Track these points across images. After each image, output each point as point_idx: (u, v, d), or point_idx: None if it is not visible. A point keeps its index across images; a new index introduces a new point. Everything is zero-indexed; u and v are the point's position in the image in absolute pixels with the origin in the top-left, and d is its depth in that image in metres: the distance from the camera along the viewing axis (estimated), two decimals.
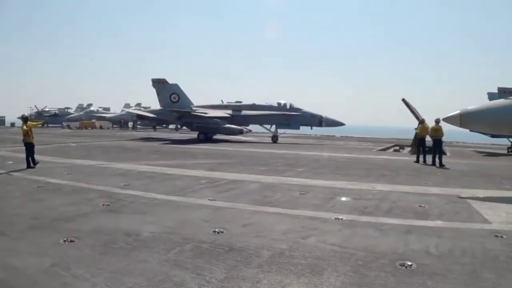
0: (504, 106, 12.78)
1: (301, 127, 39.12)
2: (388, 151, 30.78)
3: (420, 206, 10.58)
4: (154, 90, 43.20)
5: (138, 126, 71.26)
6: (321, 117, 37.87)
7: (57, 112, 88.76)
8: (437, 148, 20.79)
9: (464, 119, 13.21)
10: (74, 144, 30.76)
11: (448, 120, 13.70)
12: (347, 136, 51.17)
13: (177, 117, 40.94)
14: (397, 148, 33.23)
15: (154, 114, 46.58)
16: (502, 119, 12.89)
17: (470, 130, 16.31)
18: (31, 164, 16.60)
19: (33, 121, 19.47)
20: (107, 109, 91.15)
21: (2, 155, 21.08)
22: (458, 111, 13.17)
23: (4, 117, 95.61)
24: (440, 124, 20.47)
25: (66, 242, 6.95)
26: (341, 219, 8.94)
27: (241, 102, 41.42)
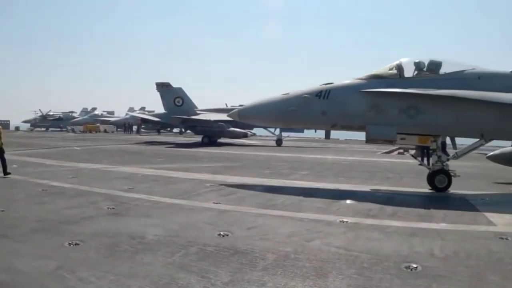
0: (276, 102, 13.90)
1: (305, 130, 39.10)
2: (392, 154, 30.77)
3: (425, 208, 10.55)
4: (158, 94, 43.34)
5: (142, 129, 71.41)
6: None
7: (61, 116, 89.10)
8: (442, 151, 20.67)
9: (242, 114, 15.03)
10: (78, 148, 30.86)
11: (230, 116, 15.86)
12: (351, 139, 51.10)
13: (181, 121, 41.05)
14: (401, 151, 33.14)
15: (158, 118, 46.73)
16: (273, 113, 14.07)
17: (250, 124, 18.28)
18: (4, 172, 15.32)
19: None
20: (111, 113, 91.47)
21: (6, 159, 21.10)
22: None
23: (8, 121, 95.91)
24: None
25: (71, 245, 6.94)
26: (346, 221, 8.92)
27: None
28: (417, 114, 12.97)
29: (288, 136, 40.78)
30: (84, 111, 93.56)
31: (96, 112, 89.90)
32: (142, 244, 7.15)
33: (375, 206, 10.70)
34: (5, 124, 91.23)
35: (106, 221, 8.80)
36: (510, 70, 13.46)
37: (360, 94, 13.18)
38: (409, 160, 24.85)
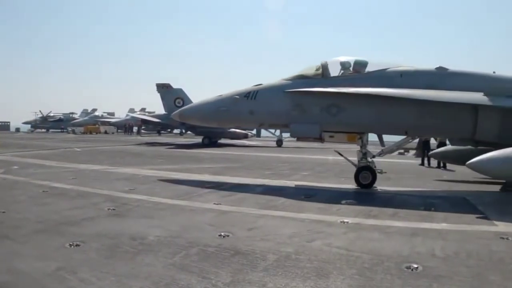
0: (210, 103, 14.77)
1: None
2: (392, 154, 30.69)
3: (425, 208, 10.55)
4: (158, 95, 43.37)
5: (142, 130, 71.45)
6: None
7: (62, 117, 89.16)
8: None
9: (182, 115, 16.07)
10: (78, 149, 30.87)
11: (172, 116, 16.91)
12: None
13: (181, 122, 41.04)
14: (401, 151, 33.13)
15: (158, 119, 46.74)
16: (208, 113, 14.85)
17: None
18: None
19: None
20: (112, 114, 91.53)
21: (7, 160, 21.17)
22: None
23: (9, 122, 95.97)
24: None
25: (72, 246, 6.95)
26: (347, 222, 8.92)
27: None
28: (339, 112, 13.37)
29: (288, 137, 40.71)
30: (85, 112, 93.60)
31: (96, 113, 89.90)
32: (143, 245, 7.15)
33: (375, 207, 10.70)
34: (5, 126, 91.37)
35: (107, 222, 8.81)
36: (435, 67, 13.73)
37: (284, 94, 13.68)
38: (409, 160, 24.92)
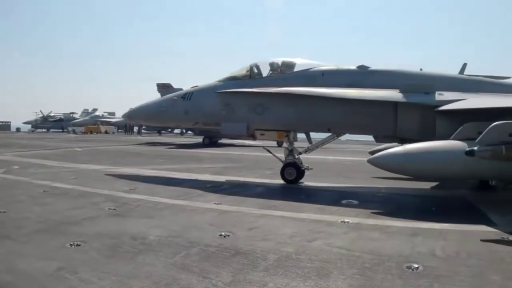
0: (153, 104, 15.98)
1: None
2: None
3: (426, 208, 10.56)
4: (159, 95, 43.38)
5: (143, 130, 71.47)
6: None
7: (62, 117, 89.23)
8: None
9: (130, 116, 17.69)
10: (79, 149, 30.87)
11: (123, 117, 19.98)
12: (351, 140, 51.02)
13: None
14: None
15: None
16: (151, 114, 16.01)
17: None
18: None
19: None
20: (112, 114, 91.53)
21: (7, 160, 21.18)
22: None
23: (9, 122, 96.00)
24: None
25: (73, 246, 6.95)
26: (347, 222, 8.92)
27: None
28: (264, 111, 14.04)
29: None
30: (85, 112, 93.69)
31: (97, 113, 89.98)
32: (144, 244, 7.16)
33: (376, 206, 10.68)
34: (6, 125, 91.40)
35: (107, 222, 8.82)
36: (356, 66, 14.09)
37: (215, 95, 14.49)
38: None
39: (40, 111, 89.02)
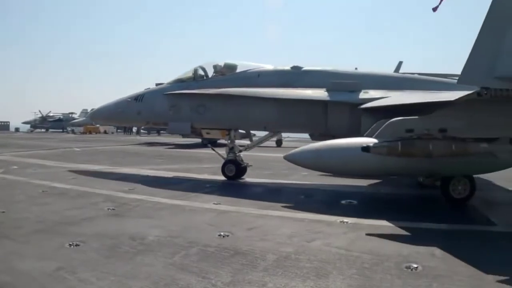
0: (111, 105, 16.49)
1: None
2: None
3: (425, 208, 10.57)
4: None
5: (142, 130, 71.36)
6: None
7: (61, 117, 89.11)
8: None
9: (92, 116, 18.46)
10: (78, 149, 30.85)
11: (87, 118, 21.37)
12: None
13: None
14: None
15: None
16: (109, 114, 16.69)
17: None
18: None
19: None
20: None
21: (6, 160, 21.16)
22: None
23: (8, 122, 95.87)
24: None
25: (72, 246, 6.96)
26: (346, 222, 8.91)
27: None
28: (206, 111, 14.85)
29: (288, 137, 40.65)
30: (84, 112, 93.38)
31: None
32: (143, 245, 7.16)
33: (375, 206, 10.72)
34: (5, 125, 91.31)
35: (106, 222, 8.82)
36: (290, 67, 14.74)
37: (163, 97, 15.39)
38: None
39: (39, 111, 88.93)
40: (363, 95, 12.79)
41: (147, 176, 16.06)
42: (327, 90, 13.35)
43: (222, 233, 7.81)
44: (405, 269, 6.03)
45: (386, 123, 10.04)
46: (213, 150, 16.71)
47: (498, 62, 7.64)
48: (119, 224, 8.63)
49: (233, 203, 10.96)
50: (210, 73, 15.45)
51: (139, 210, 10.06)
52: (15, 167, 18.18)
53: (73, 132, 73.62)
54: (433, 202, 11.40)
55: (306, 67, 14.76)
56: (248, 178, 15.71)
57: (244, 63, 15.49)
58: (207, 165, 20.41)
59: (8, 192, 12.17)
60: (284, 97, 13.64)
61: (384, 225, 8.75)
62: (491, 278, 5.75)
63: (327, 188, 13.78)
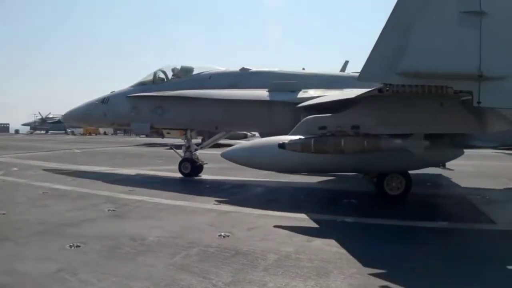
0: (81, 107, 17.47)
1: None
2: None
3: (425, 207, 10.57)
4: None
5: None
6: None
7: (61, 118, 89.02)
8: None
9: (64, 118, 19.30)
10: (78, 151, 30.87)
11: (60, 119, 21.71)
12: None
13: None
14: None
15: None
16: (79, 116, 17.83)
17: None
18: None
19: None
20: None
21: (7, 162, 21.17)
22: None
23: (8, 124, 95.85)
24: None
25: (72, 247, 6.96)
26: (346, 221, 8.93)
27: None
28: (163, 112, 15.64)
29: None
30: None
31: None
32: (144, 245, 7.16)
33: (375, 206, 10.72)
34: (4, 127, 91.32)
35: (107, 223, 8.81)
36: (239, 68, 15.45)
37: (126, 99, 16.20)
38: None
39: (39, 112, 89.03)
40: (301, 94, 13.28)
41: (147, 177, 16.08)
42: (269, 90, 13.98)
43: (222, 233, 7.80)
44: (405, 268, 6.04)
45: (302, 120, 10.41)
46: (172, 149, 17.58)
47: (400, 58, 7.59)
48: (119, 225, 8.63)
49: (233, 203, 10.91)
50: (170, 76, 16.33)
51: (139, 211, 10.06)
52: (15, 169, 18.19)
53: (73, 133, 73.70)
54: (434, 201, 11.43)
55: (254, 68, 15.52)
56: (204, 175, 16.54)
57: (200, 66, 16.39)
58: (207, 165, 20.40)
59: (9, 194, 12.17)
60: (229, 97, 14.31)
61: (384, 224, 8.77)
62: (493, 277, 5.76)
63: (327, 189, 13.80)
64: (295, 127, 10.50)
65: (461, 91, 7.64)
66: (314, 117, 10.23)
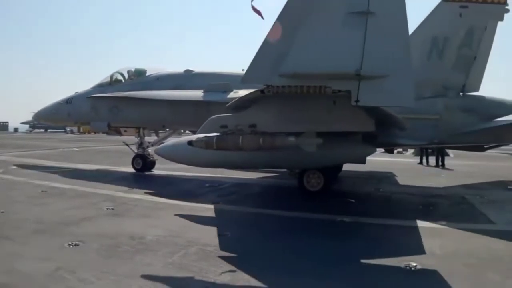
0: (49, 107, 18.50)
1: None
2: (390, 153, 30.74)
3: (424, 207, 10.58)
4: None
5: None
6: None
7: (32, 117, 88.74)
8: (440, 150, 20.85)
9: (35, 116, 20.40)
10: (77, 149, 30.84)
11: (32, 118, 21.17)
12: None
13: None
14: (400, 149, 33.17)
15: None
16: (47, 115, 18.98)
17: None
18: None
19: None
20: None
21: (6, 160, 21.15)
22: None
23: (7, 122, 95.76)
24: None
25: (71, 246, 6.96)
26: (345, 221, 8.93)
27: None
28: (118, 112, 16.69)
29: None
30: None
31: None
32: (142, 244, 7.17)
33: (374, 205, 10.75)
34: (3, 126, 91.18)
35: (106, 222, 8.81)
36: (183, 70, 16.33)
37: (86, 99, 17.30)
38: (407, 159, 24.93)
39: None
40: (232, 94, 13.90)
41: (146, 176, 16.08)
42: (204, 91, 14.80)
43: (221, 232, 7.79)
44: (404, 267, 6.03)
45: (208, 119, 10.85)
46: (127, 145, 18.59)
47: (282, 61, 7.91)
48: (118, 223, 8.63)
49: (232, 202, 10.98)
50: (124, 77, 17.34)
51: (138, 209, 10.06)
52: (14, 167, 18.17)
53: (72, 132, 73.53)
54: (433, 201, 11.44)
55: (196, 70, 16.44)
56: (156, 171, 17.55)
57: (153, 67, 17.46)
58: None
59: (8, 193, 12.15)
60: (170, 98, 15.09)
61: (383, 223, 8.81)
62: (491, 277, 5.77)
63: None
64: (201, 126, 10.97)
65: (339, 91, 7.95)
66: (217, 116, 10.70)
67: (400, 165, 21.26)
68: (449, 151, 24.10)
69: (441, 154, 21.07)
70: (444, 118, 12.57)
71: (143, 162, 17.43)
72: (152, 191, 12.40)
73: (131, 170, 17.70)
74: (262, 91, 8.69)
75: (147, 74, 17.05)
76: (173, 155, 12.20)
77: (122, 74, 17.36)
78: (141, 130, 17.52)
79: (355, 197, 11.93)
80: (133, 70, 17.36)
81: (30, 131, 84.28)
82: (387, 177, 16.49)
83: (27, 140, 41.73)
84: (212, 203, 10.65)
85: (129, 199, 11.22)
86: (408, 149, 32.00)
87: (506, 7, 12.93)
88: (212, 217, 9.31)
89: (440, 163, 20.91)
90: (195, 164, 12.24)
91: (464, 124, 12.46)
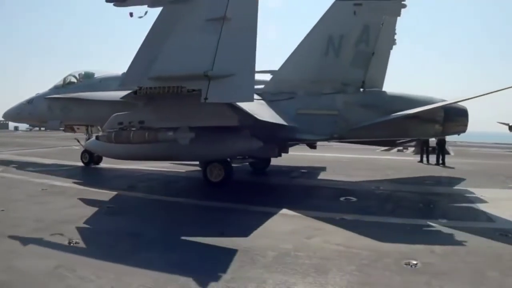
0: (16, 106, 19.86)
1: None
2: (391, 151, 30.71)
3: (424, 205, 10.57)
4: None
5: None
6: None
7: (2, 116, 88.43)
8: (441, 148, 20.85)
9: (4, 116, 21.52)
10: (77, 147, 30.80)
11: (2, 117, 21.95)
12: None
13: None
14: (400, 148, 33.15)
15: None
16: (13, 114, 20.30)
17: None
18: None
19: None
20: None
21: (6, 158, 21.14)
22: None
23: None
24: None
25: (71, 244, 6.95)
26: (346, 218, 8.93)
27: None
28: (68, 112, 17.72)
29: None
30: None
31: None
32: (142, 242, 7.16)
33: (374, 203, 10.73)
34: (4, 124, 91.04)
35: (106, 220, 8.82)
36: (121, 72, 16.01)
37: (44, 100, 18.45)
38: (408, 158, 24.90)
39: None
40: None
41: (146, 173, 16.05)
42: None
43: (222, 230, 7.79)
44: (405, 265, 6.06)
45: (111, 117, 11.58)
46: (77, 141, 19.42)
47: (152, 66, 9.10)
48: (118, 221, 8.63)
49: (233, 199, 10.93)
50: (75, 80, 18.28)
51: (138, 207, 10.06)
52: (15, 165, 18.17)
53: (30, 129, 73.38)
54: (433, 199, 11.43)
55: None
56: (103, 164, 18.50)
57: (100, 70, 18.29)
58: None
59: (8, 191, 12.15)
60: (110, 99, 15.23)
61: (383, 221, 8.82)
62: (491, 274, 5.76)
63: (325, 186, 13.84)
64: (106, 123, 11.68)
65: (193, 90, 8.89)
66: (116, 114, 11.52)
67: (402, 163, 21.25)
68: (449, 149, 24.11)
69: (441, 153, 21.04)
70: (342, 113, 13.04)
71: (89, 157, 18.58)
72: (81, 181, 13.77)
73: (131, 168, 17.69)
74: (135, 92, 9.78)
75: (95, 76, 17.94)
76: (94, 149, 13.81)
77: (75, 76, 18.42)
78: (89, 127, 18.54)
79: (257, 187, 13.25)
80: (83, 73, 18.40)
81: (30, 130, 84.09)
82: (310, 172, 17.08)
83: (28, 139, 41.58)
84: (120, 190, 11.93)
85: (129, 197, 11.32)
86: (408, 148, 32.05)
87: (403, 2, 13.13)
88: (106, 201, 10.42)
89: (440, 161, 20.89)
90: (109, 156, 13.62)
91: (362, 119, 12.76)
